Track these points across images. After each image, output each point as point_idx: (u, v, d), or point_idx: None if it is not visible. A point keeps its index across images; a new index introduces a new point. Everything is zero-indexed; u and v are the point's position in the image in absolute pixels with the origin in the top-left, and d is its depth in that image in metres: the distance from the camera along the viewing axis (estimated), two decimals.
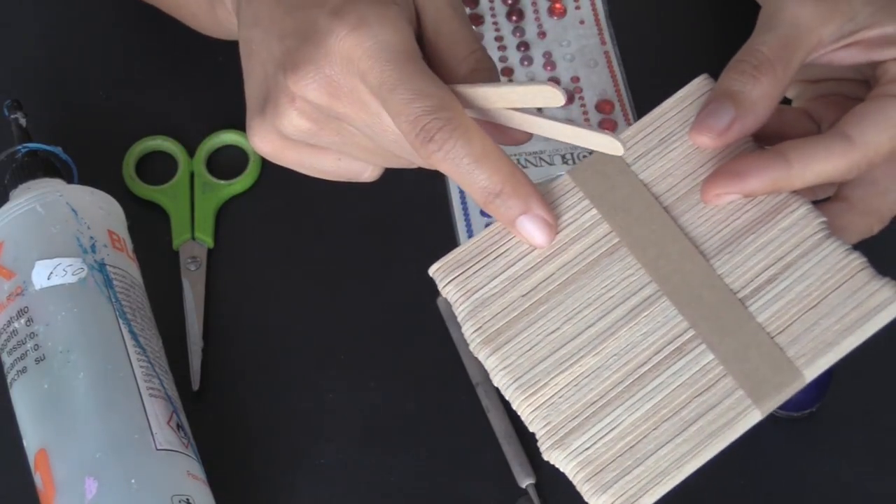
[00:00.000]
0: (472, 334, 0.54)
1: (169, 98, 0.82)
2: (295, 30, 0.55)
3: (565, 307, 0.54)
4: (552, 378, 0.53)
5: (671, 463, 0.51)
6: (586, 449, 0.52)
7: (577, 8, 0.85)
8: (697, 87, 0.59)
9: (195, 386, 0.72)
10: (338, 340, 0.74)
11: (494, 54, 0.83)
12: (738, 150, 0.56)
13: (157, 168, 0.80)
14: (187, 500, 0.62)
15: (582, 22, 0.85)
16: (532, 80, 0.54)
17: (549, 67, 0.83)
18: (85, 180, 0.73)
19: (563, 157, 0.78)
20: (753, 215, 0.55)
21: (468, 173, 0.52)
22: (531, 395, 0.53)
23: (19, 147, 0.74)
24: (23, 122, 0.75)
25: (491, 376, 0.54)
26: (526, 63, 0.83)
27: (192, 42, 0.80)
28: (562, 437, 0.52)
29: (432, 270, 0.56)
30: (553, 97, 0.52)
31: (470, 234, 0.77)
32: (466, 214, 0.78)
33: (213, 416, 0.71)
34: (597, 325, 0.54)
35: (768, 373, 0.52)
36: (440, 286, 0.56)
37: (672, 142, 0.57)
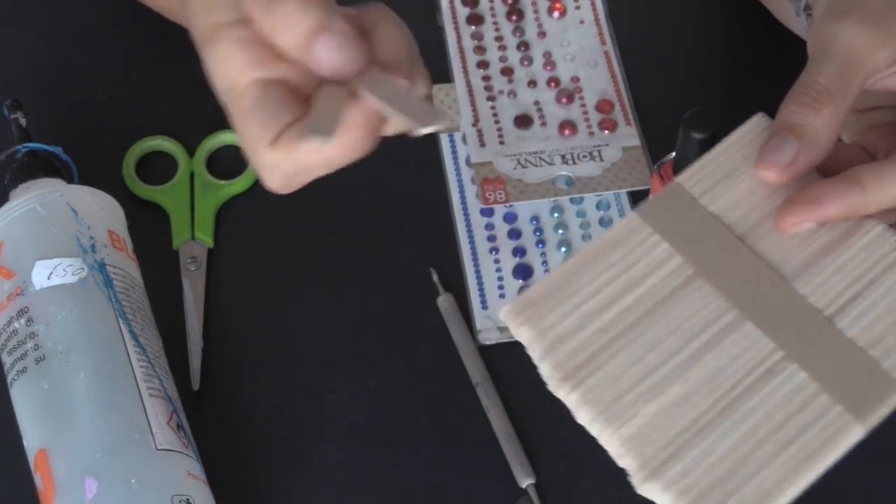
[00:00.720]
0: (551, 372, 0.53)
1: (169, 98, 0.82)
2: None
3: (646, 338, 0.53)
4: (640, 409, 0.51)
5: (775, 484, 0.50)
6: (684, 477, 0.50)
7: (577, 8, 0.85)
8: (755, 124, 0.59)
9: (195, 386, 0.72)
10: (338, 340, 0.74)
11: (494, 54, 0.83)
12: (805, 179, 0.56)
13: (157, 168, 0.80)
14: (187, 500, 0.62)
15: (582, 22, 0.85)
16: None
17: (549, 67, 0.83)
18: (85, 180, 0.73)
19: (563, 157, 0.78)
20: (828, 239, 0.55)
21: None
22: (619, 427, 0.51)
23: (19, 147, 0.74)
24: (23, 122, 0.75)
25: (574, 414, 0.53)
26: (526, 63, 0.83)
27: (192, 42, 0.80)
28: (656, 467, 0.50)
29: (503, 314, 0.55)
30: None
31: (470, 235, 0.77)
32: (466, 215, 0.78)
33: (213, 416, 0.71)
34: (681, 353, 0.53)
35: (866, 386, 0.51)
36: (512, 328, 0.54)
37: (736, 176, 0.57)
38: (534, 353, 0.54)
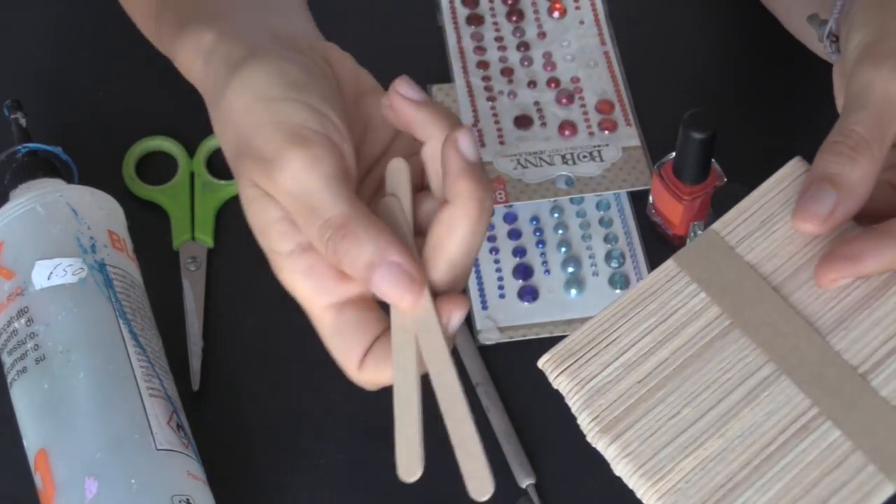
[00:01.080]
0: (590, 424, 0.54)
1: (169, 98, 0.82)
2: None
3: (683, 391, 0.53)
4: (677, 463, 0.52)
5: None
6: None
7: (577, 8, 0.85)
8: (792, 168, 0.58)
9: (195, 386, 0.72)
10: None
11: (494, 54, 0.83)
12: (841, 228, 0.56)
13: (157, 168, 0.80)
14: (187, 500, 0.62)
15: (582, 22, 0.85)
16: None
17: (549, 67, 0.83)
18: (85, 180, 0.73)
19: (563, 157, 0.78)
20: (864, 291, 0.55)
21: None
22: (657, 481, 0.52)
23: (19, 147, 0.74)
24: (23, 122, 0.75)
25: (612, 466, 0.53)
26: (526, 63, 0.83)
27: None
28: None
29: (542, 363, 0.55)
30: None
31: None
32: None
33: (213, 416, 0.71)
34: (718, 407, 0.53)
35: None
36: (551, 378, 0.55)
37: (773, 223, 0.57)
38: (572, 403, 0.54)
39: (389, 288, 0.54)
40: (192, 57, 0.62)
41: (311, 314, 0.57)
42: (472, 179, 0.53)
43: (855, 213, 0.55)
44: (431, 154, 0.56)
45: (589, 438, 0.54)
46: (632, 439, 0.53)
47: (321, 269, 0.56)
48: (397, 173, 0.57)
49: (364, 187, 0.59)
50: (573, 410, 0.54)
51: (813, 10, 0.67)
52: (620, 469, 0.53)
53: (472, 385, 0.71)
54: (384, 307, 0.56)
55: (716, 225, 0.57)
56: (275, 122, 0.56)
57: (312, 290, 0.56)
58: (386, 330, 0.56)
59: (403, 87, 0.56)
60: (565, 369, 0.55)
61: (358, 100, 0.60)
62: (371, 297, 0.56)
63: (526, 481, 0.69)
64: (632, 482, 0.53)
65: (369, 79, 0.61)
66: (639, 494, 0.52)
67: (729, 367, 0.54)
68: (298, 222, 0.55)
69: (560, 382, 0.55)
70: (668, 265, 0.56)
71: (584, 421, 0.54)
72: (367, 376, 0.56)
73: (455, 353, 0.72)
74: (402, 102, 0.56)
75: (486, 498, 0.52)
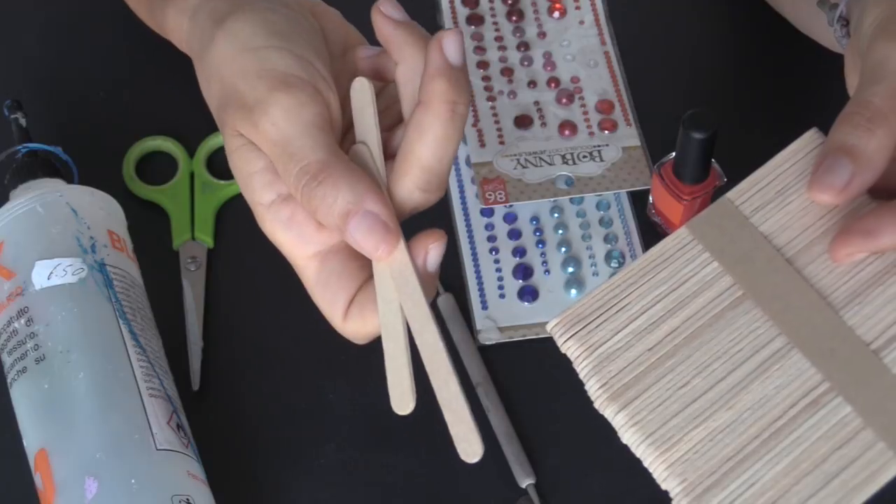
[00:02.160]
0: (598, 391, 0.53)
1: (169, 98, 0.82)
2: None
3: (694, 360, 0.53)
4: (686, 433, 0.52)
5: None
6: None
7: (577, 8, 0.85)
8: (808, 140, 0.58)
9: (195, 386, 0.72)
10: (338, 340, 0.74)
11: (494, 54, 0.83)
12: (856, 202, 0.56)
13: (157, 168, 0.80)
14: (187, 500, 0.62)
15: (582, 22, 0.85)
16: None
17: (549, 67, 0.83)
18: (85, 180, 0.73)
19: (563, 157, 0.78)
20: (878, 266, 0.55)
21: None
22: (665, 451, 0.52)
23: (19, 147, 0.74)
24: (23, 122, 0.75)
25: (620, 434, 0.53)
26: (526, 63, 0.83)
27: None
28: (700, 493, 0.51)
29: (550, 326, 0.55)
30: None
31: (470, 235, 0.77)
32: (466, 215, 0.78)
33: (213, 416, 0.71)
34: (728, 378, 0.53)
35: None
36: (559, 342, 0.55)
37: (788, 194, 0.57)
38: (581, 368, 0.54)
39: (363, 238, 0.53)
40: (179, 18, 0.62)
41: (295, 265, 0.56)
42: (447, 80, 0.53)
43: (871, 184, 0.55)
44: (404, 76, 0.56)
45: (597, 405, 0.53)
46: (640, 408, 0.53)
47: (302, 218, 0.55)
48: (360, 93, 0.56)
49: (347, 140, 0.58)
50: (581, 376, 0.54)
51: None
52: (628, 437, 0.53)
53: (472, 385, 0.71)
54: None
55: (730, 193, 0.57)
56: (260, 69, 0.55)
57: (294, 239, 0.56)
58: (369, 278, 0.55)
59: (386, 6, 0.56)
60: (574, 334, 0.54)
61: (345, 53, 0.60)
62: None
63: (526, 481, 0.69)
64: (639, 451, 0.52)
65: (357, 34, 0.61)
66: (646, 464, 0.52)
67: (740, 339, 0.54)
68: (278, 168, 0.55)
69: (569, 347, 0.54)
70: (681, 232, 0.56)
71: (592, 387, 0.53)
72: (353, 326, 0.56)
73: (455, 353, 0.73)
74: (382, 21, 0.56)
75: (474, 460, 0.52)
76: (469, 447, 0.52)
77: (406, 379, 0.54)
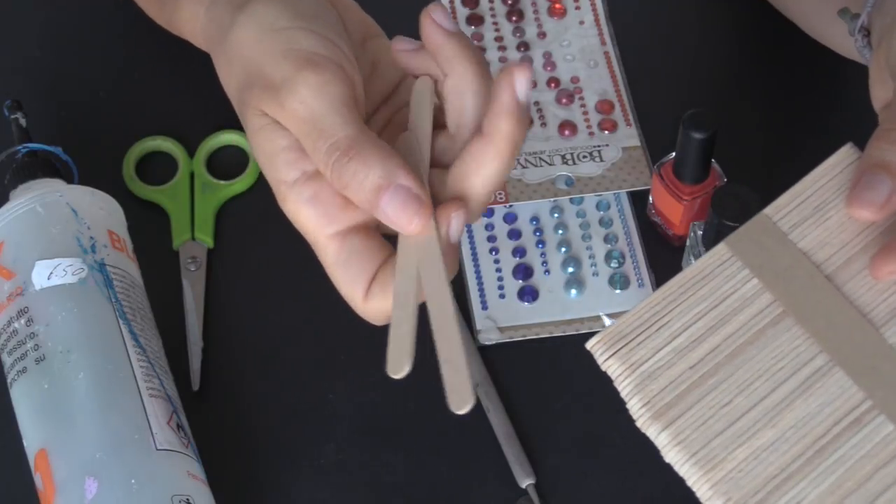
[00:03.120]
0: (640, 410, 0.53)
1: (169, 98, 0.82)
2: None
3: (736, 379, 0.53)
4: (730, 452, 0.52)
5: None
6: None
7: (577, 8, 0.85)
8: (844, 155, 0.58)
9: (195, 386, 0.72)
10: (338, 340, 0.74)
11: (494, 54, 0.83)
12: (894, 218, 0.56)
13: (157, 168, 0.80)
14: (187, 500, 0.62)
15: (582, 22, 0.85)
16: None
17: (548, 67, 0.83)
18: (85, 180, 0.73)
19: (563, 157, 0.78)
20: None
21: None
22: (709, 470, 0.51)
23: (19, 147, 0.74)
24: (23, 122, 0.75)
25: (663, 453, 0.53)
26: (526, 63, 0.83)
27: (193, 43, 0.79)
28: None
29: (590, 345, 0.55)
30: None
31: (470, 235, 0.77)
32: None
33: (213, 416, 0.71)
34: (770, 396, 0.53)
35: None
36: (600, 360, 0.54)
37: (826, 210, 0.57)
38: (622, 387, 0.54)
39: (397, 212, 0.53)
40: (195, 8, 0.62)
41: (316, 244, 0.56)
42: (515, 120, 0.53)
43: None
44: (453, 90, 0.56)
45: (639, 424, 0.53)
46: (684, 427, 0.52)
47: (326, 196, 0.55)
48: (421, 92, 0.56)
49: (371, 126, 0.58)
50: (623, 395, 0.54)
51: (837, 6, 0.67)
52: (672, 457, 0.52)
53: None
54: (389, 238, 0.56)
55: (768, 210, 0.57)
56: (285, 49, 0.55)
57: (316, 217, 0.55)
58: (389, 257, 0.55)
59: (438, 14, 0.55)
60: (615, 353, 0.54)
61: (365, 42, 0.60)
62: (374, 225, 0.56)
63: (526, 481, 0.69)
64: (683, 470, 0.52)
65: (375, 25, 0.61)
66: (690, 483, 0.52)
67: (782, 357, 0.53)
68: (306, 146, 0.54)
69: (609, 366, 0.54)
70: (720, 249, 0.56)
71: (634, 406, 0.53)
72: (374, 305, 0.55)
73: None
74: (433, 28, 0.55)
75: (463, 411, 0.51)
76: (460, 398, 0.51)
77: (407, 344, 0.53)
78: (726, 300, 0.55)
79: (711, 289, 0.55)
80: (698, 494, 0.52)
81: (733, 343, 0.54)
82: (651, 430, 0.53)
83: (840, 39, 0.73)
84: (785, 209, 0.57)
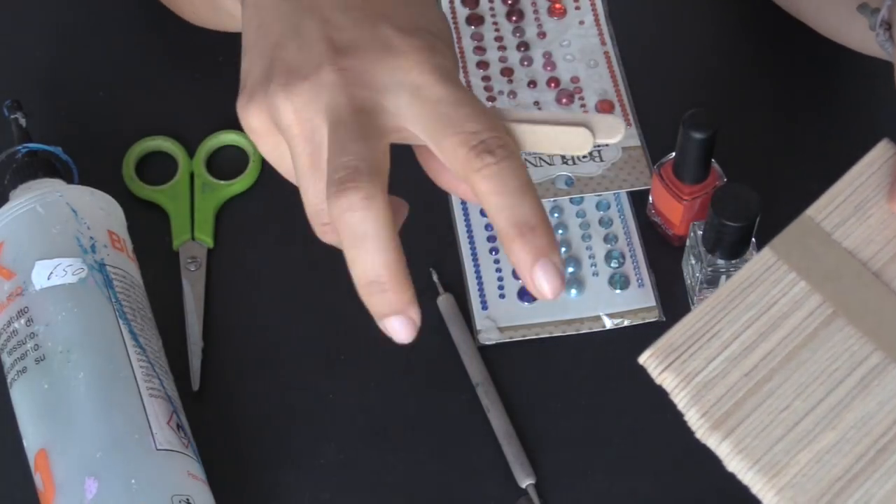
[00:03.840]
0: (699, 420, 0.53)
1: (169, 98, 0.82)
2: (356, 24, 0.54)
3: (792, 383, 0.53)
4: (793, 457, 0.52)
5: None
6: None
7: (577, 8, 0.85)
8: (881, 151, 0.58)
9: (195, 386, 0.72)
10: (338, 340, 0.74)
11: (494, 54, 0.83)
12: None
13: (157, 168, 0.80)
14: (187, 500, 0.62)
15: (582, 22, 0.85)
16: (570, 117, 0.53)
17: (548, 67, 0.83)
18: (85, 180, 0.73)
19: (563, 156, 0.78)
20: None
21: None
22: (773, 476, 0.51)
23: (19, 147, 0.74)
24: (23, 122, 0.75)
25: (725, 462, 0.52)
26: (526, 63, 0.83)
27: (192, 42, 0.80)
28: None
29: (644, 359, 0.54)
30: (584, 142, 0.52)
31: (470, 235, 0.77)
32: (466, 215, 0.78)
33: (213, 416, 0.71)
34: (828, 398, 0.53)
35: None
36: (654, 374, 0.54)
37: (867, 208, 0.57)
38: (679, 400, 0.54)
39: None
40: None
41: None
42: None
43: None
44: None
45: (699, 435, 0.53)
46: (744, 434, 0.52)
47: None
48: None
49: None
50: (679, 407, 0.53)
51: (854, 2, 0.67)
52: (735, 465, 0.52)
53: (472, 385, 0.71)
54: None
55: (809, 211, 0.57)
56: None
57: None
58: None
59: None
60: (669, 365, 0.54)
61: None
62: None
63: (526, 481, 0.69)
64: (748, 478, 0.52)
65: None
66: (755, 490, 0.52)
67: (836, 357, 0.53)
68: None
69: (664, 379, 0.54)
70: (765, 254, 0.56)
71: (692, 417, 0.53)
72: None
73: (455, 353, 0.73)
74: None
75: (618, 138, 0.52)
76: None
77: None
78: (776, 305, 0.55)
79: (760, 294, 0.55)
80: (764, 501, 0.51)
81: (786, 347, 0.54)
82: (711, 440, 0.53)
83: (860, 36, 0.72)
84: (826, 209, 0.57)
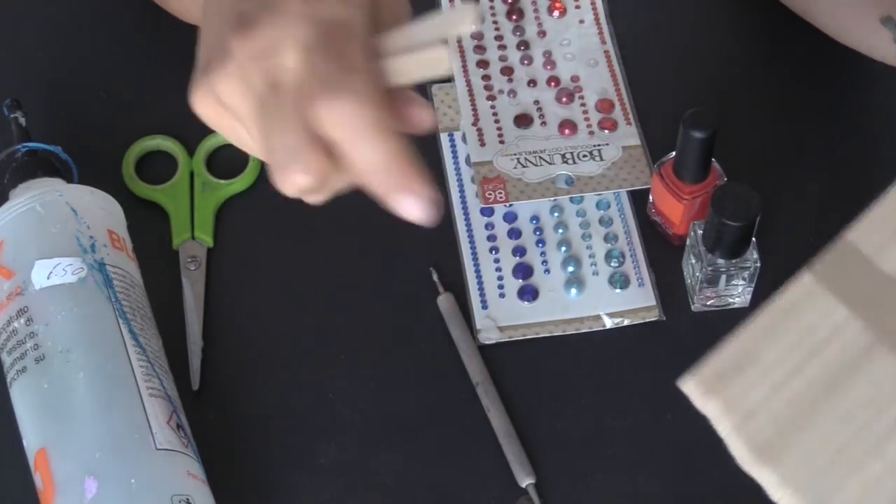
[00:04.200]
0: (744, 451, 0.52)
1: (169, 98, 0.82)
2: None
3: (837, 410, 0.52)
4: (840, 488, 0.51)
5: None
6: None
7: (577, 7, 0.85)
8: None
9: (195, 386, 0.72)
10: (338, 340, 0.74)
11: (494, 53, 0.83)
12: None
13: (157, 168, 0.80)
14: (187, 499, 0.62)
15: (582, 21, 0.85)
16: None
17: (549, 66, 0.83)
18: (85, 180, 0.73)
19: (563, 156, 0.78)
20: None
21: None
22: None
23: (19, 147, 0.74)
24: (23, 121, 0.75)
25: (770, 493, 0.51)
26: (526, 62, 0.83)
27: (192, 42, 0.79)
28: None
29: (688, 388, 0.53)
30: (441, 60, 0.51)
31: (470, 234, 0.77)
32: (466, 214, 0.78)
33: (213, 416, 0.71)
34: (874, 426, 0.52)
35: None
36: (698, 403, 0.53)
37: None
38: (722, 428, 0.53)
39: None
40: None
41: None
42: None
43: None
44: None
45: (744, 466, 0.52)
46: (791, 465, 0.51)
47: None
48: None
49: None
50: (723, 436, 0.52)
51: (876, 15, 0.67)
52: (780, 497, 0.51)
53: (472, 385, 0.71)
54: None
55: (849, 235, 0.56)
56: None
57: None
58: None
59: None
60: (714, 393, 0.53)
61: None
62: None
63: (526, 481, 0.69)
64: None
65: None
66: None
67: (880, 384, 0.52)
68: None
69: (709, 406, 0.53)
70: (806, 280, 0.55)
71: (737, 447, 0.52)
72: None
73: (455, 353, 0.73)
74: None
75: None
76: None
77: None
78: (817, 331, 0.54)
79: (800, 320, 0.54)
80: None
81: (829, 373, 0.53)
82: (755, 471, 0.52)
83: (883, 47, 0.72)
84: (866, 233, 0.56)
